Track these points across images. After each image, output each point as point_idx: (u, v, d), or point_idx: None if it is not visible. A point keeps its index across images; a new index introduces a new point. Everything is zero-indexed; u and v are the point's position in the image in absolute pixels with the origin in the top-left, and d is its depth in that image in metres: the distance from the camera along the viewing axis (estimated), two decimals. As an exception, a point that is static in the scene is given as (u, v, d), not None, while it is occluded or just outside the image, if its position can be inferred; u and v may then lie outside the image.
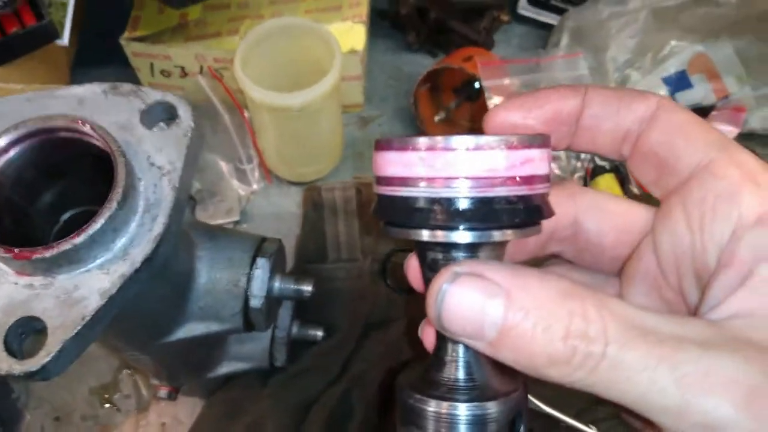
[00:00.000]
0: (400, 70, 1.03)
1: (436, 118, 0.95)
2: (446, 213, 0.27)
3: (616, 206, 0.35)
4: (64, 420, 0.79)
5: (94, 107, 0.46)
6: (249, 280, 0.55)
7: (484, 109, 0.90)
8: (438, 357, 0.31)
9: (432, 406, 0.29)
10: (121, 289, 0.40)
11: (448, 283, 0.26)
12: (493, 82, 0.87)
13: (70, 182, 0.47)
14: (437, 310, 0.26)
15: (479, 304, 0.25)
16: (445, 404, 0.29)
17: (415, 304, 0.75)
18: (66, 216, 0.49)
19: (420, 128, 0.94)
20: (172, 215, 0.43)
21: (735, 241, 0.27)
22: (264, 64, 0.79)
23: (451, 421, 0.29)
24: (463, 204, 0.27)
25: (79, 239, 0.38)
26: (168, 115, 0.46)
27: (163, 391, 0.67)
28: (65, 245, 0.38)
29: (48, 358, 0.38)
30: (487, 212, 0.27)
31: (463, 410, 0.29)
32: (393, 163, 0.29)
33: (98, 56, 0.94)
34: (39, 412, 0.79)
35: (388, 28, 1.04)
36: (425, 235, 0.28)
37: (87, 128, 0.41)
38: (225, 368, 0.70)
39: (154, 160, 0.44)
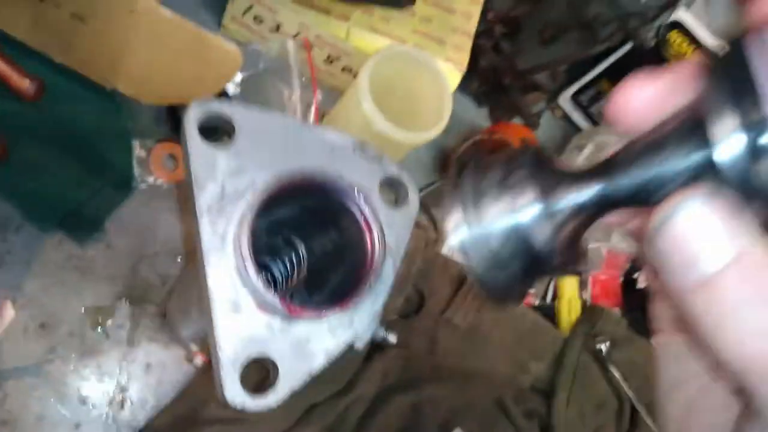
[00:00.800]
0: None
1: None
2: None
3: None
4: (50, 329, 0.77)
5: (344, 160, 0.47)
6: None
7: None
8: None
9: None
10: (341, 352, 0.44)
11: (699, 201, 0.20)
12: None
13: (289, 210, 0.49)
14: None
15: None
16: None
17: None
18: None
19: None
20: (389, 294, 0.47)
21: None
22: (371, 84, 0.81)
23: None
24: None
25: (346, 310, 0.41)
26: (399, 192, 0.50)
27: (200, 359, 0.68)
28: (330, 312, 0.41)
29: (276, 402, 0.41)
30: None
31: None
32: None
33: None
34: (26, 312, 0.76)
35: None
36: None
37: (361, 202, 0.44)
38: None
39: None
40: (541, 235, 0.23)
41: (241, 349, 0.41)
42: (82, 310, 0.79)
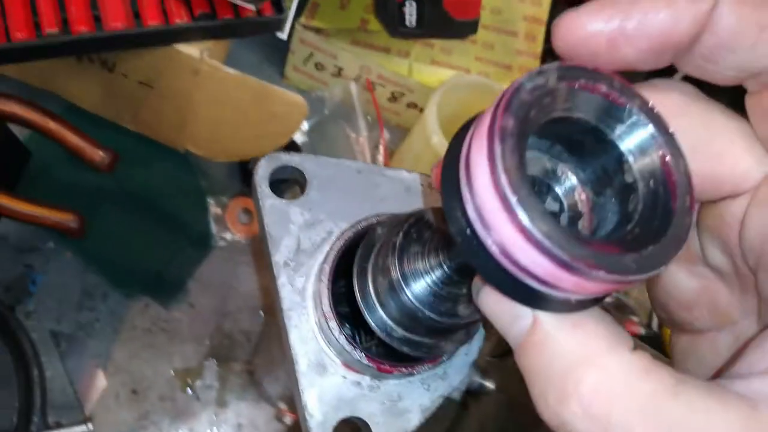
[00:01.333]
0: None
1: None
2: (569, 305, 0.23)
3: None
4: (141, 395, 0.77)
5: (418, 200, 0.45)
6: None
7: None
8: None
9: None
10: (437, 408, 0.40)
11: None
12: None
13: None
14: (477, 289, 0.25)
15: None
16: None
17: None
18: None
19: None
20: (483, 339, 0.43)
21: None
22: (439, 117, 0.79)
23: None
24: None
25: (439, 363, 0.38)
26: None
27: (289, 418, 0.67)
28: (422, 368, 0.38)
29: (371, 465, 0.38)
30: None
31: None
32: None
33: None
34: (117, 379, 0.77)
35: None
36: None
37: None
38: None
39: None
40: None
41: (330, 411, 0.38)
42: (171, 373, 0.79)
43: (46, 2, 0.60)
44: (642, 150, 0.23)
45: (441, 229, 0.33)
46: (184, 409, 0.78)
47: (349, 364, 0.39)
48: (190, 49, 0.64)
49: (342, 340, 0.38)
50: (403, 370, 0.38)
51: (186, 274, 0.82)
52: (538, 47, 0.91)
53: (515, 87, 0.21)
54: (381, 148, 0.91)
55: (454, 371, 0.42)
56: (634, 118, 0.23)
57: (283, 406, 0.69)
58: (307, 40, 0.86)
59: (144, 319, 0.80)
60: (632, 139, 0.23)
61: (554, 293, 0.22)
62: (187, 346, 0.80)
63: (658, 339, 0.90)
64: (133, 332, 0.79)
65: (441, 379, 0.41)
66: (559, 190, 0.26)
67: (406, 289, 0.33)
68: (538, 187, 0.26)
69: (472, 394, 0.71)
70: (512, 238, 0.20)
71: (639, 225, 0.23)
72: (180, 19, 0.62)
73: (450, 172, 0.23)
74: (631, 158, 0.23)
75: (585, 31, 0.23)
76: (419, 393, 0.40)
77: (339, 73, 0.90)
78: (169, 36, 0.62)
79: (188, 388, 0.78)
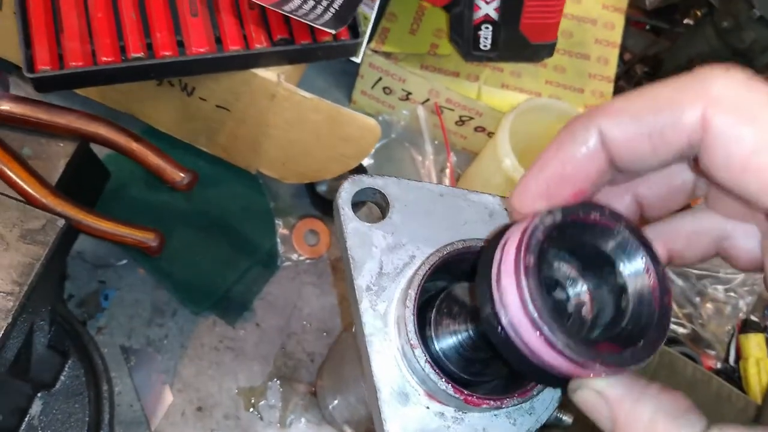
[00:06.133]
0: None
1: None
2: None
3: None
4: (206, 412, 0.78)
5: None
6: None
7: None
8: None
9: None
10: (522, 443, 0.39)
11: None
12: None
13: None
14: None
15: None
16: None
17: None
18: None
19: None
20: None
21: None
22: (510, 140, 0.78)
23: None
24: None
25: (526, 398, 0.37)
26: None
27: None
28: (511, 401, 0.37)
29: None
30: None
31: None
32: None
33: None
34: (183, 396, 0.78)
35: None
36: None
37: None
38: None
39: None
40: None
41: (414, 442, 0.38)
42: (236, 391, 0.79)
43: (132, 28, 0.62)
44: (629, 261, 0.30)
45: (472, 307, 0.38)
46: (247, 428, 0.78)
47: (433, 394, 0.38)
48: (268, 74, 0.65)
49: (428, 368, 0.37)
50: (491, 403, 0.37)
51: (253, 294, 0.83)
52: (611, 70, 0.89)
53: (531, 229, 0.29)
54: (447, 172, 0.90)
55: (541, 406, 0.40)
56: (621, 236, 0.30)
57: (349, 430, 0.68)
58: (377, 64, 0.86)
59: (211, 337, 0.81)
60: (622, 253, 0.30)
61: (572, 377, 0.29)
62: (253, 365, 0.80)
63: (734, 372, 0.86)
64: (201, 350, 0.80)
65: (528, 414, 0.40)
66: (566, 283, 0.33)
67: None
68: (549, 282, 0.32)
69: (547, 426, 0.69)
70: (539, 346, 0.28)
71: (631, 322, 0.30)
72: (260, 44, 0.63)
73: (484, 281, 0.30)
74: (621, 266, 0.30)
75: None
76: (505, 427, 0.39)
77: (407, 97, 0.90)
78: (248, 60, 0.63)
79: (252, 408, 0.79)
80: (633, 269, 0.30)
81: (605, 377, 0.28)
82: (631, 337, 0.29)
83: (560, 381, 0.30)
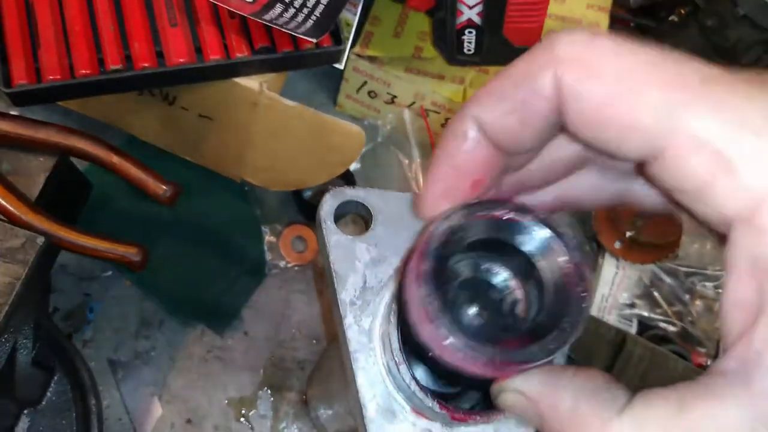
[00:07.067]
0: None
1: (617, 245, 0.92)
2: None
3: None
4: (196, 425, 0.77)
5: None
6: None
7: (675, 226, 0.90)
8: None
9: None
10: (510, 457, 0.39)
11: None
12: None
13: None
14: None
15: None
16: None
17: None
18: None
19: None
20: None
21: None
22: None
23: None
24: None
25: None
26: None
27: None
28: (498, 416, 0.37)
29: None
30: None
31: None
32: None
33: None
34: (172, 408, 0.77)
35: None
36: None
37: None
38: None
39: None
40: None
41: (400, 460, 0.37)
42: (226, 402, 0.79)
43: (110, 39, 0.61)
44: (542, 252, 0.30)
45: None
46: (238, 438, 0.77)
47: (420, 410, 0.38)
48: (250, 82, 0.65)
49: (413, 385, 0.37)
50: (477, 418, 0.37)
51: (241, 303, 0.82)
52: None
53: (428, 235, 0.28)
54: (434, 175, 0.90)
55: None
56: (531, 229, 0.30)
57: None
58: (361, 68, 0.86)
59: (200, 348, 0.80)
60: (534, 245, 0.30)
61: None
62: (242, 374, 0.80)
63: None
64: (189, 361, 0.79)
65: (517, 427, 0.39)
66: (497, 282, 0.33)
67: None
68: (477, 285, 0.32)
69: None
70: (444, 351, 0.28)
71: (546, 313, 0.29)
72: (241, 53, 0.62)
73: (399, 291, 0.31)
74: (536, 259, 0.30)
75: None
76: (493, 441, 0.39)
77: (392, 100, 0.89)
78: (230, 70, 0.63)
79: (242, 418, 0.78)
80: (546, 260, 0.30)
81: (521, 375, 0.28)
82: (545, 329, 0.28)
83: (487, 386, 0.30)
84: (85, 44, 0.60)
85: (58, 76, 0.58)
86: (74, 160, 0.64)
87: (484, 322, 0.33)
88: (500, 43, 0.73)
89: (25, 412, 0.65)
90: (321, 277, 0.86)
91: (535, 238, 0.30)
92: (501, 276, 0.33)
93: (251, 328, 0.82)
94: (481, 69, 0.88)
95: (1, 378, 0.52)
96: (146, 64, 0.60)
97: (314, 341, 0.83)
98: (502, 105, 0.27)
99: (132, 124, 0.74)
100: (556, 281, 0.29)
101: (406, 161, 0.92)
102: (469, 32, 0.72)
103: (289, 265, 0.85)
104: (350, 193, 0.43)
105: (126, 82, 0.61)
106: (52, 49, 0.59)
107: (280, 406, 0.79)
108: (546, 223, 0.30)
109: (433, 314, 0.28)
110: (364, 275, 0.41)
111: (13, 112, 0.61)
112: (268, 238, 0.85)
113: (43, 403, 0.67)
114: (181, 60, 0.61)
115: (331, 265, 0.41)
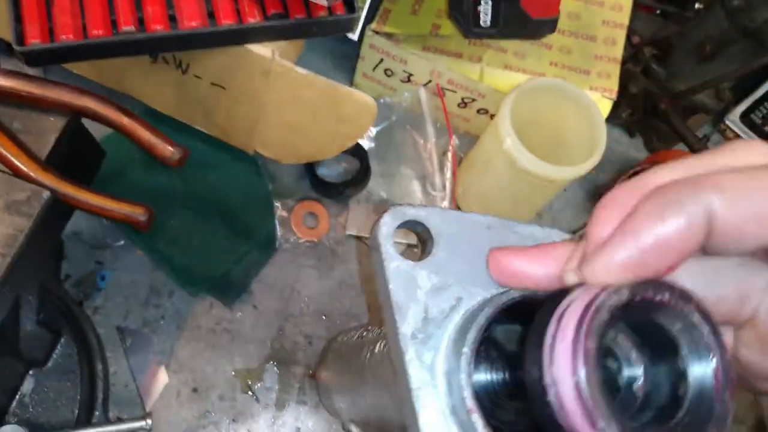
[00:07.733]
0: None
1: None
2: None
3: None
4: (202, 394, 0.77)
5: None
6: None
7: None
8: None
9: None
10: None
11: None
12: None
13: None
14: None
15: None
16: None
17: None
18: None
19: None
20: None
21: None
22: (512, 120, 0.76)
23: None
24: None
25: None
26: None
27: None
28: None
29: None
30: None
31: None
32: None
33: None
34: (179, 377, 0.77)
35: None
36: None
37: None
38: None
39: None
40: None
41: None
42: (232, 373, 0.79)
43: (123, 1, 0.61)
44: (695, 346, 0.27)
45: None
46: (243, 410, 0.77)
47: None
48: (262, 49, 0.64)
49: None
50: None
51: (250, 276, 0.82)
52: (618, 51, 0.87)
53: (595, 308, 0.26)
54: (449, 155, 0.89)
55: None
56: (689, 320, 0.27)
57: (355, 429, 0.66)
58: (378, 45, 0.85)
59: (208, 319, 0.80)
60: (688, 336, 0.28)
61: None
62: (249, 347, 0.80)
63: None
64: (197, 331, 0.79)
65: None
66: (617, 353, 0.30)
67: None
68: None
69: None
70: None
71: (689, 414, 0.27)
72: (253, 18, 0.62)
73: (534, 348, 0.27)
74: (684, 350, 0.28)
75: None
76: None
77: (408, 79, 0.89)
78: (242, 35, 0.62)
79: (248, 390, 0.78)
80: (697, 355, 0.27)
81: None
82: (687, 429, 0.26)
83: None
84: (98, 5, 0.60)
85: (71, 36, 0.58)
86: (92, 129, 0.64)
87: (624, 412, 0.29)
88: (517, 15, 0.71)
89: (31, 372, 0.66)
90: (331, 254, 0.86)
91: (690, 328, 0.27)
92: (626, 348, 0.30)
93: (260, 301, 0.82)
94: (499, 48, 0.87)
95: (2, 332, 0.53)
96: (159, 27, 0.60)
97: (323, 317, 0.83)
98: (749, 207, 0.25)
99: (145, 92, 0.74)
100: (704, 380, 0.27)
101: (421, 141, 0.91)
102: (486, 3, 0.71)
103: (300, 241, 0.85)
104: (411, 213, 0.37)
105: (138, 44, 0.61)
106: (66, 9, 0.59)
107: (287, 380, 0.79)
108: (706, 316, 0.27)
109: (593, 402, 0.25)
110: (425, 305, 0.36)
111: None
112: (280, 212, 0.85)
113: (49, 364, 0.67)
114: (194, 24, 0.61)
115: (392, 295, 0.36)
